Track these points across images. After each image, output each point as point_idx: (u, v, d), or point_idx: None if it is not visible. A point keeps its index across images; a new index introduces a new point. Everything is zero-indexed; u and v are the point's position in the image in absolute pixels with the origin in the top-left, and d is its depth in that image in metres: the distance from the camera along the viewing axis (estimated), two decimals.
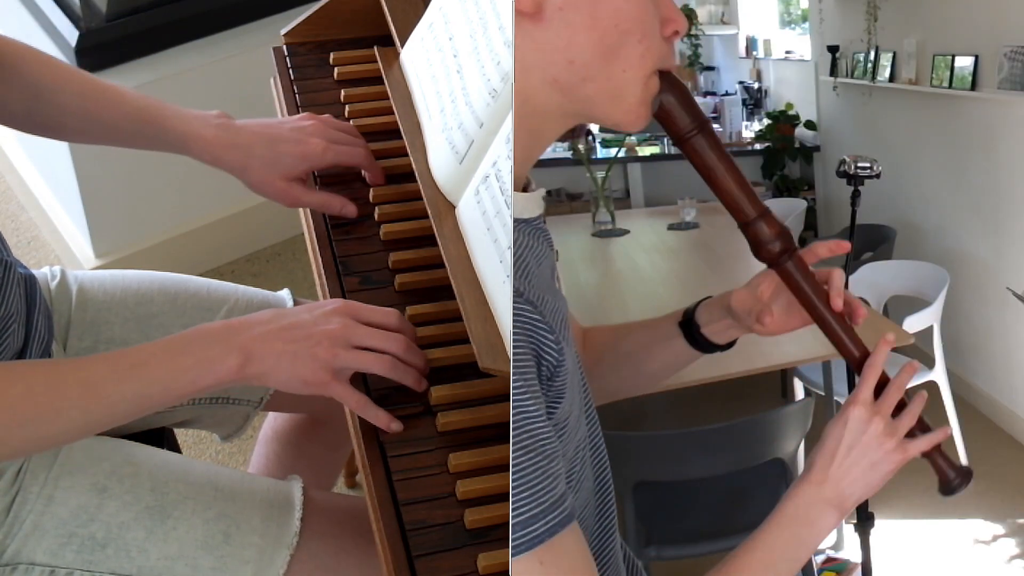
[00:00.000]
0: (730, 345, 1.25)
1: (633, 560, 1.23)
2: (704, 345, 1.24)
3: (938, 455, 1.13)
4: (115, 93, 1.41)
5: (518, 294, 0.92)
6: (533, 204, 1.02)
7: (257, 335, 1.15)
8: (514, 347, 0.91)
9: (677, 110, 1.01)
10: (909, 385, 1.11)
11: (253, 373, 1.14)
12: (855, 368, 1.12)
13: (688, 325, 1.24)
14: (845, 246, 1.20)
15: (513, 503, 0.85)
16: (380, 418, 1.18)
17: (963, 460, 3.03)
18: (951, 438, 3.01)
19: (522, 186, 1.02)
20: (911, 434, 1.10)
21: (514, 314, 0.91)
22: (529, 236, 1.01)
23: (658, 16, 0.94)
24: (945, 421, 3.00)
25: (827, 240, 1.16)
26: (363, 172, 1.43)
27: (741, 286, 1.19)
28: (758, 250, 1.08)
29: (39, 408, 1.10)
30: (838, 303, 1.10)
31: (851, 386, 2.43)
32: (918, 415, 1.10)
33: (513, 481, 0.85)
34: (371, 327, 1.19)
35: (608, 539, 1.11)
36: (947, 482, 1.13)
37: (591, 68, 0.91)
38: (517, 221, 1.00)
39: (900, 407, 1.10)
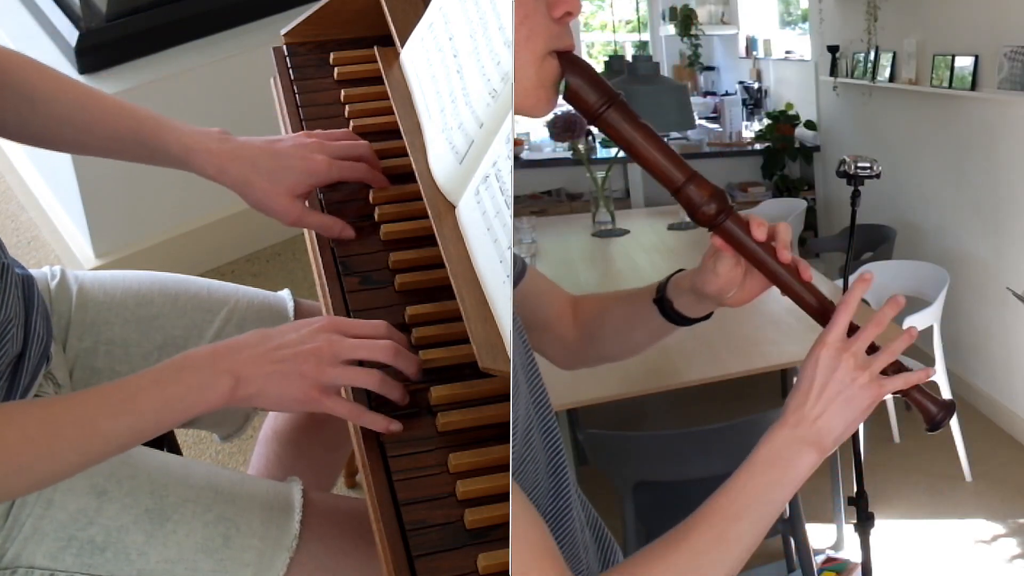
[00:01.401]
0: (707, 316, 1.22)
1: (610, 542, 1.22)
2: (679, 320, 1.22)
3: (916, 392, 1.08)
4: (114, 104, 1.39)
5: None
6: None
7: (246, 358, 1.15)
8: None
9: (584, 89, 1.00)
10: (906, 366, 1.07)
11: (244, 396, 1.15)
12: (815, 317, 1.08)
13: (661, 302, 1.22)
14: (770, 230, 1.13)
15: None
16: (377, 422, 1.18)
17: (963, 460, 3.03)
18: (951, 438, 3.01)
19: None
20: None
21: None
22: None
23: None
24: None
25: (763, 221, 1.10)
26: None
27: (698, 267, 1.16)
28: (693, 213, 1.07)
29: (36, 452, 1.10)
30: (785, 255, 1.08)
31: None
32: (898, 353, 1.05)
33: None
34: (358, 339, 1.19)
35: (564, 521, 1.11)
36: (931, 417, 1.08)
37: None
38: None
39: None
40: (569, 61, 0.99)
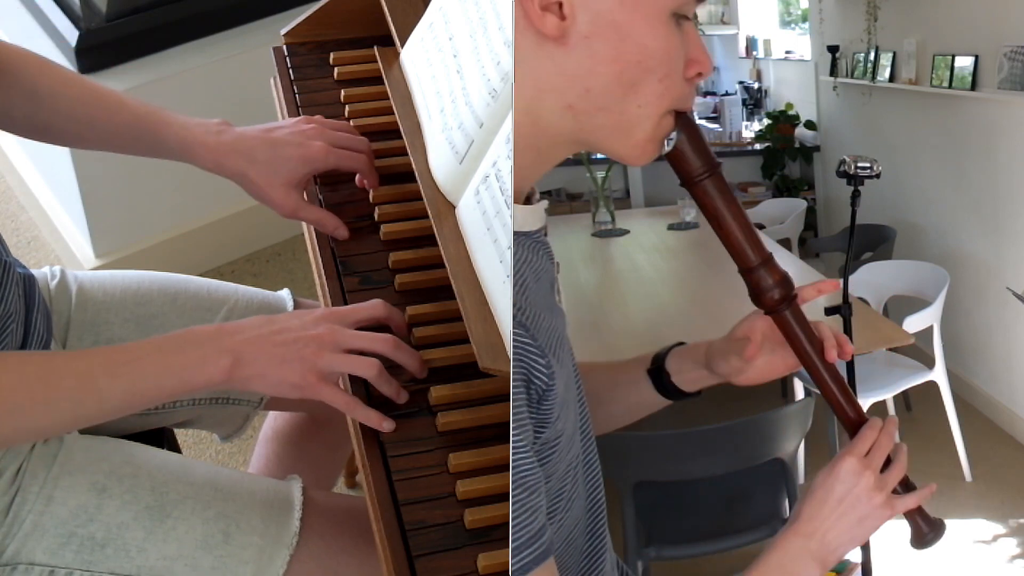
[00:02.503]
0: (699, 393, 1.24)
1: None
2: (673, 393, 1.23)
3: (915, 509, 1.12)
4: (115, 99, 1.41)
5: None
6: (534, 217, 1.02)
7: (247, 339, 1.16)
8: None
9: (690, 153, 1.00)
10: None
11: (242, 376, 1.16)
12: (848, 429, 1.11)
13: (658, 373, 1.23)
14: (831, 286, 1.19)
15: None
16: (371, 418, 1.18)
17: (963, 460, 3.03)
18: (951, 438, 3.01)
19: (523, 198, 1.01)
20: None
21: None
22: (529, 250, 1.00)
23: (684, 57, 0.93)
24: (945, 421, 3.00)
25: (816, 283, 1.15)
26: (358, 177, 1.43)
27: (720, 339, 1.18)
28: (758, 297, 1.08)
29: (31, 397, 1.11)
30: (832, 355, 1.10)
31: (851, 387, 2.43)
32: (905, 468, 1.10)
33: None
34: (359, 330, 1.20)
35: (598, 559, 1.10)
36: (921, 536, 1.13)
37: (607, 99, 0.91)
38: (518, 234, 0.99)
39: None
40: (686, 123, 0.98)
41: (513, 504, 0.87)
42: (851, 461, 1.07)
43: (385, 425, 1.18)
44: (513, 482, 0.87)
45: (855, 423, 1.11)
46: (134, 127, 1.39)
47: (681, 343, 1.23)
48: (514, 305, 0.93)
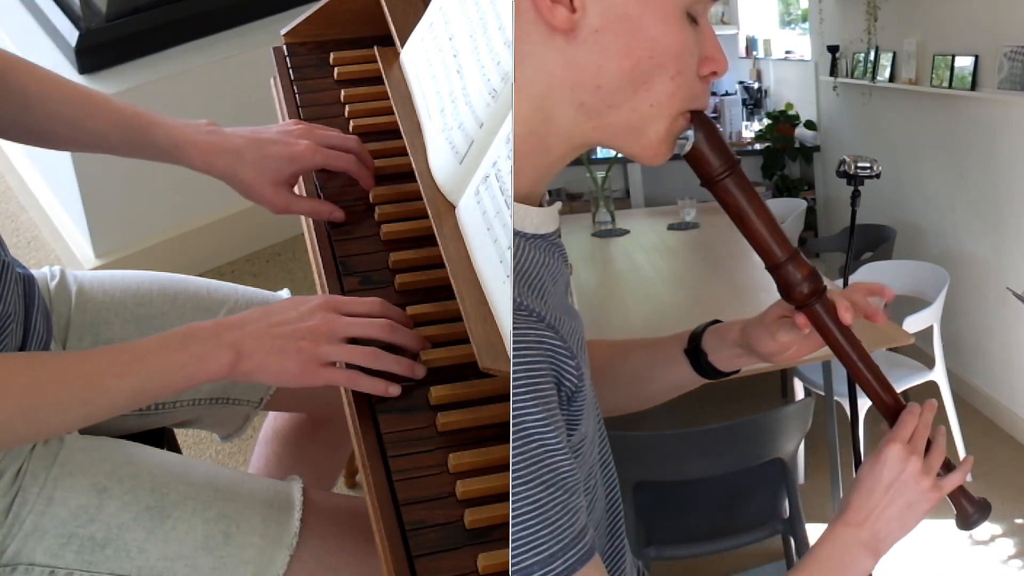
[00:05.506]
0: (735, 372, 1.24)
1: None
2: (711, 373, 1.23)
3: (959, 491, 1.12)
4: (103, 101, 1.42)
5: (539, 318, 0.90)
6: (550, 219, 1.00)
7: (248, 333, 1.18)
8: (536, 374, 0.88)
9: (708, 152, 0.99)
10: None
11: (244, 370, 1.18)
12: (885, 415, 1.11)
13: (695, 353, 1.22)
14: (883, 292, 1.16)
15: (535, 539, 0.84)
16: (376, 386, 1.19)
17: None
18: (951, 438, 3.01)
19: (537, 202, 1.00)
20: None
21: (535, 340, 0.89)
22: (545, 253, 0.98)
23: (697, 54, 0.92)
24: (945, 421, 3.00)
25: (863, 285, 1.12)
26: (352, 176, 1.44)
27: (755, 318, 1.16)
28: (788, 293, 1.06)
29: (44, 399, 1.14)
30: (847, 317, 1.08)
31: (851, 386, 2.43)
32: (944, 452, 1.10)
33: (534, 517, 0.84)
34: (355, 317, 1.21)
35: (619, 557, 1.10)
36: (967, 517, 1.13)
37: (618, 96, 0.89)
38: (534, 237, 0.98)
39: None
40: (701, 121, 0.97)
41: (555, 506, 0.85)
42: (896, 447, 1.07)
43: (391, 390, 1.19)
44: (553, 484, 0.86)
45: (893, 409, 1.10)
46: (122, 128, 1.40)
47: (717, 321, 1.22)
48: (538, 309, 0.91)
